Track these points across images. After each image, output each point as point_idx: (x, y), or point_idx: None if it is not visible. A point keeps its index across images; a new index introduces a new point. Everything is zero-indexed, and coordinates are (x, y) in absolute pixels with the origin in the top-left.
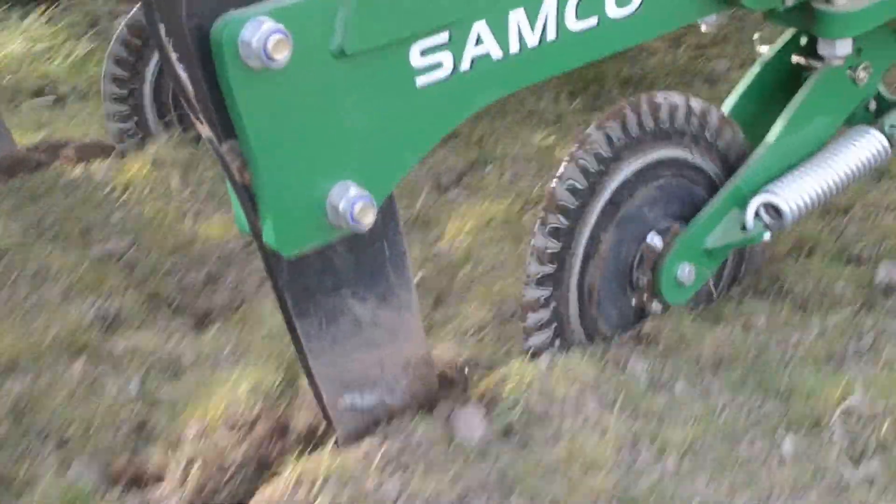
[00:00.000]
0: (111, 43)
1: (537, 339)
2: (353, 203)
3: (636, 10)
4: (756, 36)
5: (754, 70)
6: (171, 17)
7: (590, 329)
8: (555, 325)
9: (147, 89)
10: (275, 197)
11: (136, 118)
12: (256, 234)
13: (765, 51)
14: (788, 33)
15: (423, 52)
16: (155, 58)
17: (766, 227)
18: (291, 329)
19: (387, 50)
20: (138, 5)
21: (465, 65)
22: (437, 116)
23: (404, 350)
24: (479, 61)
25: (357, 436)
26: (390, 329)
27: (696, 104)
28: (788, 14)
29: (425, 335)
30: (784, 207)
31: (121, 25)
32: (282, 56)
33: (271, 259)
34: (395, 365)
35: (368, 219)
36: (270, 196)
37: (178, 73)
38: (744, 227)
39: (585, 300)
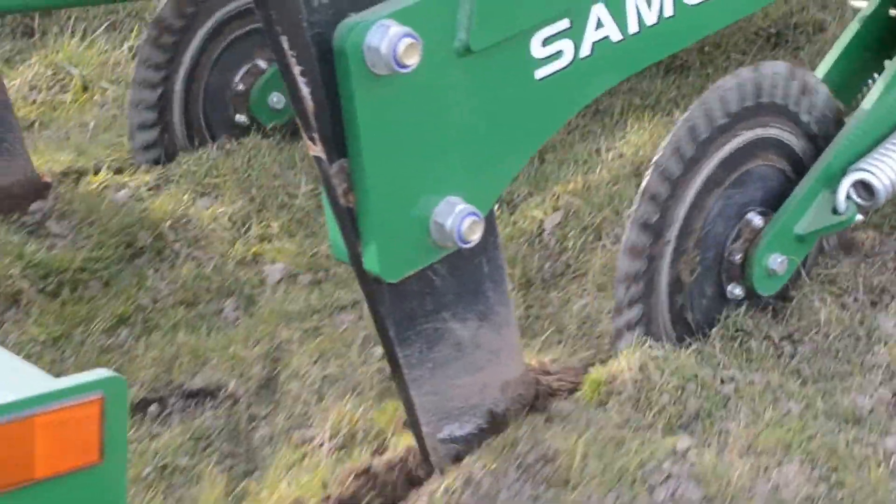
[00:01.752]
0: (140, 44)
1: (626, 317)
2: (462, 219)
3: None
4: None
5: (851, 28)
6: (292, 29)
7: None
8: (645, 303)
9: (177, 98)
10: (380, 218)
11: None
12: (356, 260)
13: (861, 5)
14: None
15: (545, 42)
16: (187, 61)
17: (859, 207)
18: (392, 359)
19: (509, 43)
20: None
21: (585, 50)
22: (554, 108)
23: (504, 371)
24: (599, 45)
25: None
26: (491, 349)
27: (800, 73)
28: None
29: (522, 350)
30: (877, 184)
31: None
32: (413, 61)
33: (372, 286)
34: (495, 388)
35: (476, 235)
36: (375, 217)
37: (300, 87)
38: (835, 210)
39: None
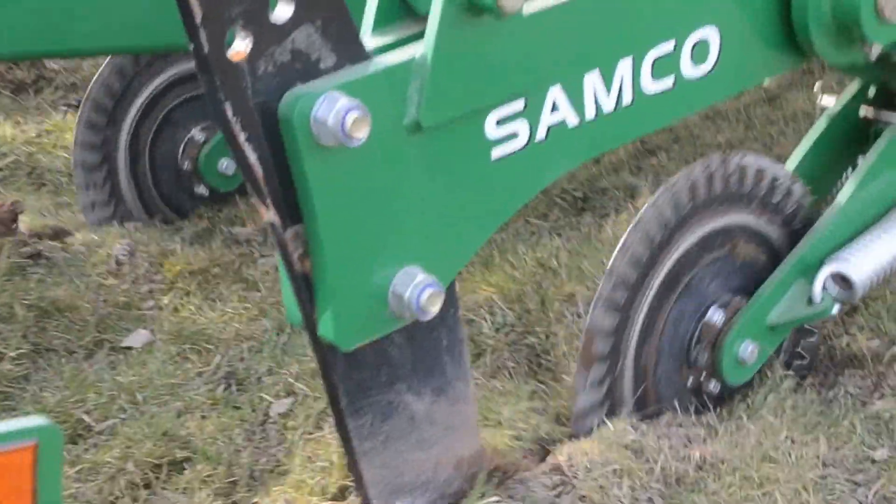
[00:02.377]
0: (81, 106)
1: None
2: (421, 291)
3: (712, 68)
4: (817, 86)
5: (820, 124)
6: (236, 95)
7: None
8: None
9: (122, 155)
10: (336, 285)
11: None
12: (311, 326)
13: (827, 102)
14: (855, 84)
15: (499, 122)
16: (129, 120)
17: (835, 299)
18: (342, 428)
19: (462, 121)
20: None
21: (540, 134)
22: (512, 189)
23: (458, 447)
24: (555, 129)
25: None
26: (446, 425)
27: (767, 164)
28: (866, 66)
29: (478, 428)
30: (855, 277)
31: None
32: (361, 134)
33: (326, 353)
34: (448, 464)
35: (435, 307)
36: (332, 285)
37: (247, 154)
38: (810, 301)
39: (640, 378)
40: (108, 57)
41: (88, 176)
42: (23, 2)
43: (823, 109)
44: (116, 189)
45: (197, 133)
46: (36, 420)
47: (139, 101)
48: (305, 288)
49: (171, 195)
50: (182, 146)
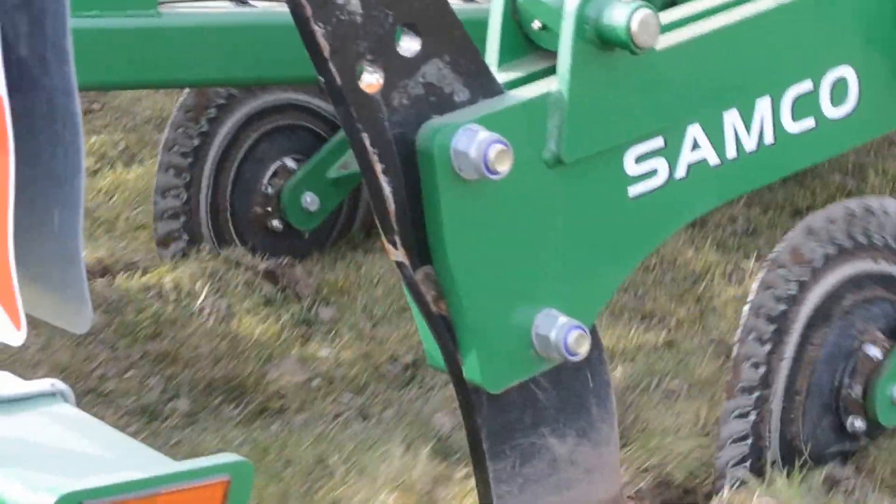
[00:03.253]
0: (167, 129)
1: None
2: (567, 332)
3: (854, 108)
4: None
5: None
6: (373, 126)
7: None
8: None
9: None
10: (478, 327)
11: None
12: (454, 368)
13: None
14: None
15: (638, 159)
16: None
17: None
18: (481, 471)
19: (602, 157)
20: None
21: (680, 172)
22: (650, 228)
23: (597, 491)
24: (696, 168)
25: None
26: (586, 467)
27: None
28: None
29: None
30: None
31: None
32: (504, 167)
33: (471, 395)
34: None
35: (584, 348)
36: (473, 326)
37: (382, 187)
38: None
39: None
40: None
41: (164, 202)
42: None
43: None
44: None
45: (289, 161)
46: (229, 456)
47: (229, 124)
48: (445, 329)
49: (245, 225)
50: (270, 172)
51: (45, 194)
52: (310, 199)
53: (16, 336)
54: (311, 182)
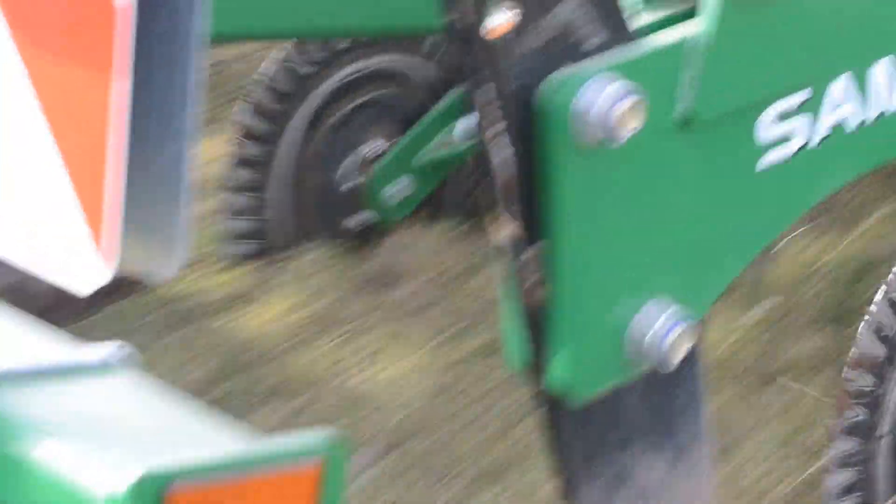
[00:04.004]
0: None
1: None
2: (670, 329)
3: None
4: None
5: None
6: (499, 75)
7: None
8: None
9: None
10: (576, 320)
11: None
12: (538, 371)
13: None
14: None
15: (775, 120)
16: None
17: None
18: (570, 496)
19: (735, 119)
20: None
21: (816, 138)
22: (780, 203)
23: None
24: (834, 133)
25: None
26: (682, 495)
27: None
28: None
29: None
30: None
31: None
32: (634, 125)
33: (553, 406)
34: None
35: (684, 348)
36: (571, 319)
37: (499, 150)
38: None
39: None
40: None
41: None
42: None
43: None
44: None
45: (379, 143)
46: (323, 434)
47: (315, 101)
48: (536, 324)
49: (324, 218)
50: (350, 163)
51: (160, 121)
52: (401, 186)
53: (104, 272)
54: (401, 167)
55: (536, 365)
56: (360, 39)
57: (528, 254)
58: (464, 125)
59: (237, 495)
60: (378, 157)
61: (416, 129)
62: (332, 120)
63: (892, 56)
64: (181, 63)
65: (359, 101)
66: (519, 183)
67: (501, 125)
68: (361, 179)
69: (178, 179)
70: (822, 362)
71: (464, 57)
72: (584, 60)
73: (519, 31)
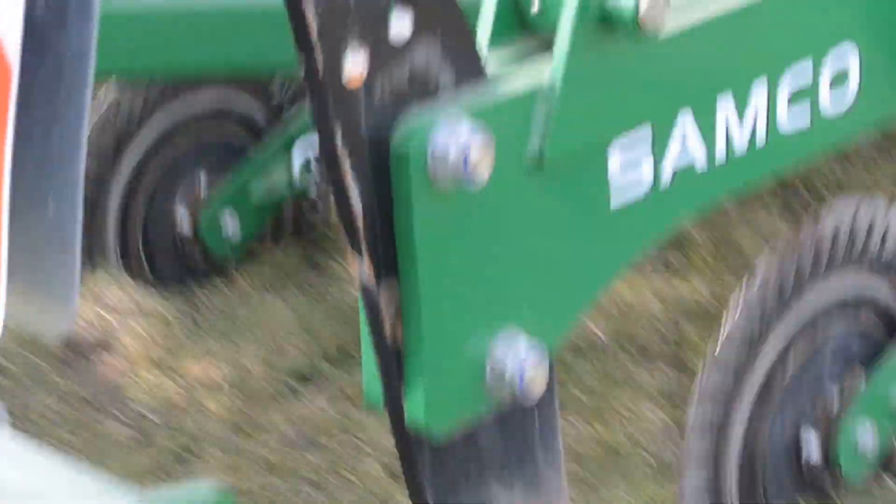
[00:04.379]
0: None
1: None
2: (525, 361)
3: (855, 96)
4: None
5: None
6: (349, 122)
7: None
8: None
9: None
10: (433, 356)
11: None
12: (396, 409)
13: None
14: None
15: (623, 163)
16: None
17: None
18: None
19: (585, 156)
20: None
21: (666, 174)
22: (633, 236)
23: None
24: (682, 170)
25: None
26: None
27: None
28: None
29: None
30: None
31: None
32: (485, 169)
33: (411, 445)
34: None
35: (541, 381)
36: (428, 355)
37: (350, 191)
38: None
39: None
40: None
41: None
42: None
43: None
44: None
45: (201, 189)
46: (208, 484)
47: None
48: (394, 360)
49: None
50: (182, 207)
51: (39, 177)
52: (232, 226)
53: None
54: (232, 206)
55: (395, 398)
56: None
57: (385, 289)
58: (300, 161)
59: None
60: (210, 196)
61: (246, 167)
62: (162, 161)
63: (731, 94)
64: (68, 118)
65: (191, 141)
66: (373, 224)
67: (354, 171)
68: (196, 219)
69: (71, 234)
70: None
71: (316, 102)
72: (437, 104)
73: (372, 76)
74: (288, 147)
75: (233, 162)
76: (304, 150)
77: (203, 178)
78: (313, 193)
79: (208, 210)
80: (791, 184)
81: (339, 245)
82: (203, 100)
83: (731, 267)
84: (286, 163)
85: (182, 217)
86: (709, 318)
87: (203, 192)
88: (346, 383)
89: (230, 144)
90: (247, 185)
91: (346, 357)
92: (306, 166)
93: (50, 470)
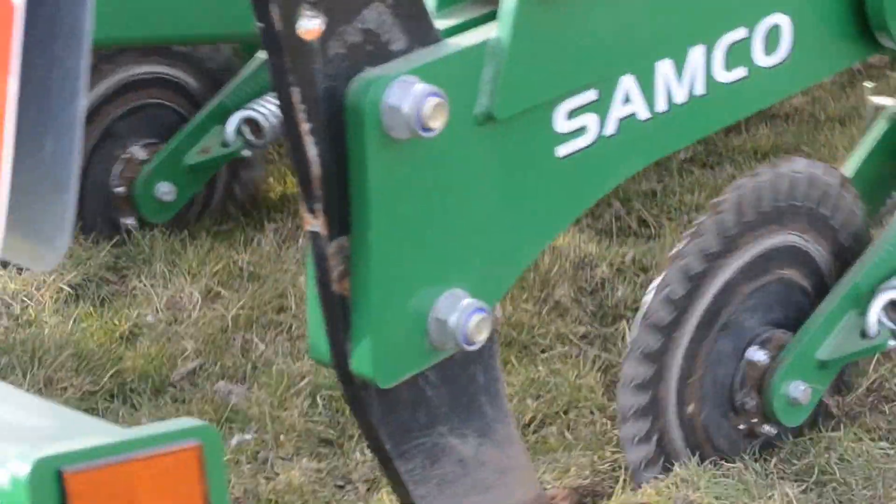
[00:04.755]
0: None
1: (644, 476)
2: (469, 316)
3: (785, 58)
4: (870, 85)
5: (878, 127)
6: (305, 79)
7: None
8: (662, 459)
9: None
10: (378, 311)
11: None
12: (341, 360)
13: (883, 102)
14: None
15: (569, 115)
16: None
17: (893, 331)
18: (391, 472)
19: (532, 114)
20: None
21: (610, 128)
22: (576, 192)
23: (516, 490)
24: (626, 123)
25: None
26: (497, 468)
27: (819, 169)
28: None
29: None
30: None
31: None
32: (438, 123)
33: (359, 392)
34: None
35: (483, 334)
36: (373, 309)
37: (307, 148)
38: (864, 334)
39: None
40: None
41: None
42: None
43: (878, 110)
44: None
45: (138, 151)
46: (192, 421)
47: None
48: (341, 313)
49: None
50: (120, 166)
51: (37, 120)
52: (166, 189)
53: None
54: (166, 171)
55: (341, 352)
56: (130, 46)
57: (335, 245)
58: (232, 127)
59: (127, 473)
60: (146, 160)
61: (181, 134)
62: (104, 122)
63: (669, 57)
64: (67, 60)
65: (129, 105)
66: (328, 180)
67: (308, 125)
68: (125, 188)
69: (67, 174)
70: None
71: (273, 60)
72: (392, 62)
73: (327, 35)
74: (223, 116)
75: (172, 129)
76: (238, 117)
77: (141, 142)
78: (247, 153)
79: (143, 172)
80: None
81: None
82: (143, 68)
83: None
84: (220, 129)
85: (116, 175)
86: None
87: (140, 155)
88: None
89: (169, 111)
90: (181, 150)
91: None
92: (239, 130)
93: (40, 412)
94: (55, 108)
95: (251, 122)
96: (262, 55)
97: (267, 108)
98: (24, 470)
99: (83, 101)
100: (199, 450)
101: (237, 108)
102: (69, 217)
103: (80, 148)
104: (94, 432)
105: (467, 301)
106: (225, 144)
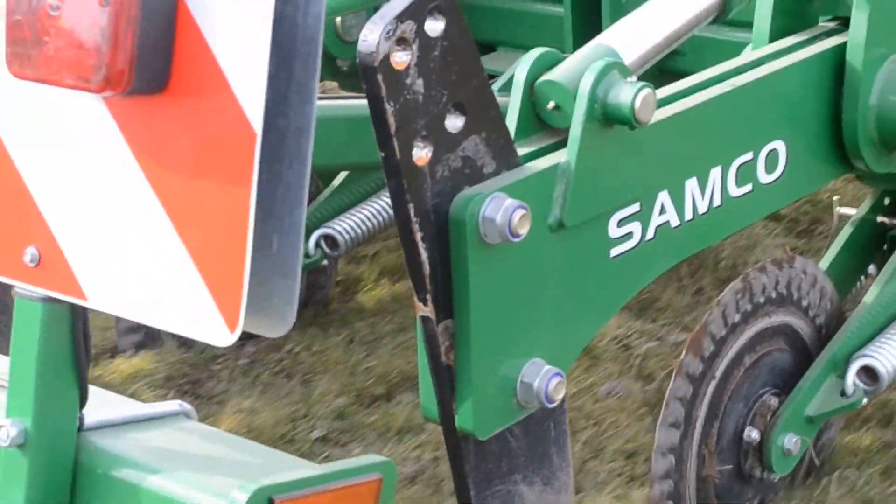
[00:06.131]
0: None
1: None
2: (549, 379)
3: (780, 176)
4: (836, 198)
5: (846, 231)
6: (418, 197)
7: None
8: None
9: None
10: (478, 376)
11: None
12: (448, 417)
13: (847, 212)
14: (873, 195)
15: (619, 223)
16: None
17: (865, 391)
18: None
19: (593, 222)
20: None
21: (650, 233)
22: (624, 284)
23: None
24: (661, 229)
25: None
26: None
27: (812, 268)
28: (892, 177)
29: None
30: (881, 370)
31: None
32: (524, 230)
33: (459, 444)
34: None
35: (561, 394)
36: (475, 376)
37: (420, 252)
38: (843, 393)
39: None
40: None
41: None
42: None
43: (842, 218)
44: None
45: None
46: (374, 457)
47: None
48: (448, 380)
49: None
50: None
51: (265, 223)
52: None
53: (227, 337)
54: None
55: (447, 410)
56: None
57: (442, 326)
58: (312, 242)
59: (324, 501)
60: None
61: None
62: None
63: (696, 176)
64: (291, 177)
65: None
66: (435, 277)
67: (420, 234)
68: None
69: (292, 265)
70: None
71: (392, 183)
72: (484, 182)
73: (434, 162)
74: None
75: None
76: (318, 234)
77: None
78: (325, 263)
79: None
80: None
81: None
82: None
83: None
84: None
85: None
86: None
87: None
88: None
89: None
90: None
91: None
92: (318, 244)
93: (240, 450)
94: (279, 215)
95: (328, 238)
96: (336, 182)
97: (341, 226)
98: (241, 499)
99: (304, 210)
100: (378, 482)
101: (316, 226)
102: (294, 298)
103: (301, 245)
104: (291, 467)
105: (547, 368)
106: (306, 256)
